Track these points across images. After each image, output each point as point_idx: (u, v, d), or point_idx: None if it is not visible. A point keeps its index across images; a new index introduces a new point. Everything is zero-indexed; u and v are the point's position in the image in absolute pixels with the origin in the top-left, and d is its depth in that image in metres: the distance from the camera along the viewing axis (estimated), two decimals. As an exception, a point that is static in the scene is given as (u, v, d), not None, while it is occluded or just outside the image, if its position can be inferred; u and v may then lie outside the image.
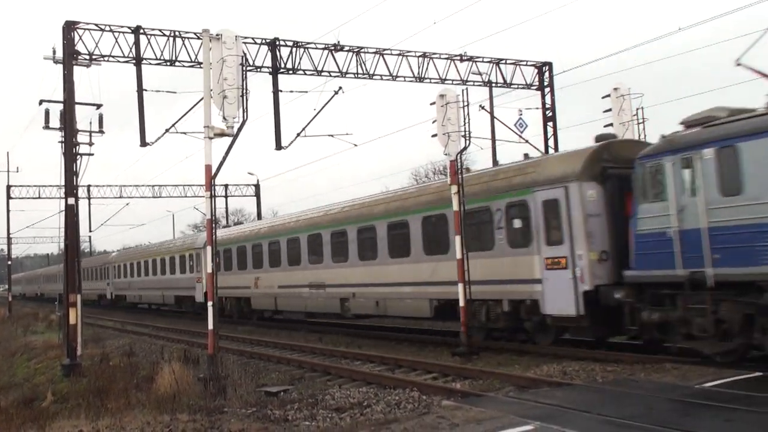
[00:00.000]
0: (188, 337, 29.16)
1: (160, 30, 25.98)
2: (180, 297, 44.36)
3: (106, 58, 24.70)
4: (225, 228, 42.75)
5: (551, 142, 31.79)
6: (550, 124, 32.16)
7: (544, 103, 32.35)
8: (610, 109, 23.33)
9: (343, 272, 26.42)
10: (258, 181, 62.97)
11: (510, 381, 14.80)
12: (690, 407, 10.73)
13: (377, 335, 25.84)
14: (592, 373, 14.44)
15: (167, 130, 22.48)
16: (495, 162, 30.36)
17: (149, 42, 25.78)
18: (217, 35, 16.54)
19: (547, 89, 32.45)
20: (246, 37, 26.20)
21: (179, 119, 22.48)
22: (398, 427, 10.73)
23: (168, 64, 26.22)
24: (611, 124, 23.06)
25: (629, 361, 15.59)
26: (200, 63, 19.61)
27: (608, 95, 23.85)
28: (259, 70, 27.45)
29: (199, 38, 24.16)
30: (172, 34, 26.30)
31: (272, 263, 32.29)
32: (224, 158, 16.64)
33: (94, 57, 24.23)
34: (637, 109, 23.18)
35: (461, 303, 18.79)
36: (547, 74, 32.54)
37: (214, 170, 16.57)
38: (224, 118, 16.41)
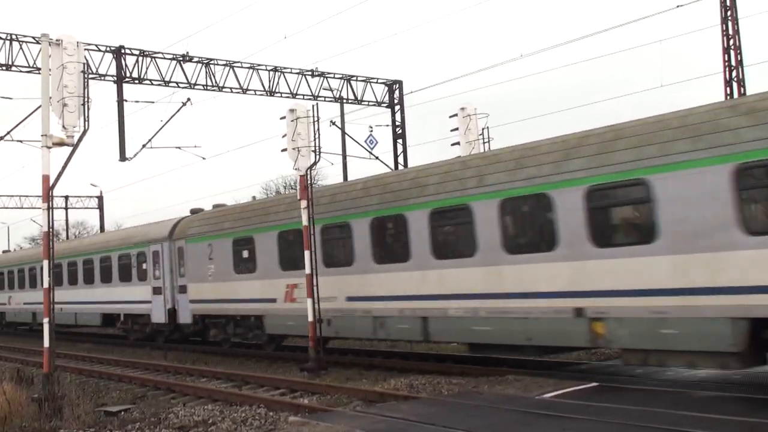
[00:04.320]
0: (22, 356, 27.67)
1: (-6, 33, 24.77)
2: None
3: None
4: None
5: (401, 159, 32.34)
6: (400, 141, 32.73)
7: (394, 121, 32.91)
8: (457, 128, 23.85)
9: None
10: (101, 192, 60.77)
11: (357, 395, 14.86)
12: (530, 417, 11.06)
13: (225, 351, 25.37)
14: (438, 386, 14.67)
15: (2, 138, 21.31)
16: (345, 177, 30.56)
17: (-19, 45, 24.55)
18: (57, 41, 15.82)
19: (397, 107, 33.02)
20: (89, 44, 25.36)
21: (15, 126, 21.37)
22: (244, 445, 10.53)
23: (3, 68, 25.00)
24: (458, 143, 23.60)
25: (474, 374, 15.97)
26: (39, 69, 18.73)
27: (455, 114, 24.39)
28: (103, 78, 26.61)
29: (38, 43, 23.12)
30: (9, 38, 25.10)
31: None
32: (63, 168, 15.91)
33: None
34: (483, 128, 23.82)
35: (309, 318, 18.71)
36: (397, 92, 33.13)
37: (52, 181, 15.82)
38: (64, 126, 15.70)
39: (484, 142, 23.32)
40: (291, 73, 30.64)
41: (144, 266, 27.74)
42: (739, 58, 28.18)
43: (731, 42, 28.25)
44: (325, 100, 31.38)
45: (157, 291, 26.81)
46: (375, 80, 32.86)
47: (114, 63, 27.00)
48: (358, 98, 32.30)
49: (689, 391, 12.71)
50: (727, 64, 28.31)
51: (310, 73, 31.03)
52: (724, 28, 28.34)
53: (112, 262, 30.14)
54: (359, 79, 32.42)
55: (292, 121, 19.61)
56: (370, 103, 32.66)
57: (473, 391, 13.88)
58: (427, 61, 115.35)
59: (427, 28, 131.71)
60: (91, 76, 24.83)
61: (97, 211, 60.86)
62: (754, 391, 12.10)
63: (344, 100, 31.97)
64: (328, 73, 31.47)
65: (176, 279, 25.81)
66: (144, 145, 27.18)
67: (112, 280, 30.10)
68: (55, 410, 14.56)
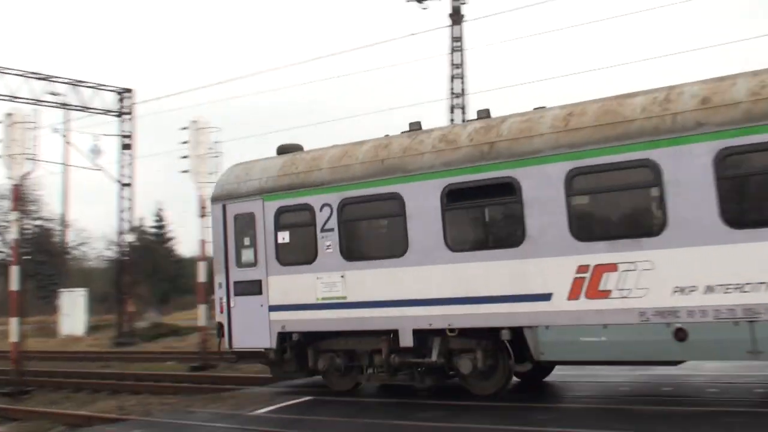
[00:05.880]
0: None
1: None
2: None
3: None
4: None
5: (127, 170, 31.44)
6: (129, 151, 31.78)
7: (122, 130, 31.89)
8: (187, 141, 23.46)
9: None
10: None
11: (62, 420, 14.18)
12: (242, 434, 11.02)
13: None
14: (150, 407, 14.34)
15: None
16: (65, 190, 29.11)
17: None
18: None
19: (127, 116, 32.02)
20: None
21: None
22: None
23: None
24: (188, 156, 23.22)
25: (188, 392, 15.69)
26: None
27: (187, 127, 23.99)
28: None
29: None
30: None
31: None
32: None
33: None
34: (214, 142, 23.64)
35: (11, 338, 17.48)
36: (127, 100, 32.15)
37: None
38: None
39: (213, 156, 23.20)
40: (10, 74, 28.68)
41: None
42: (462, 87, 30.12)
43: (458, 71, 30.20)
44: (49, 105, 29.73)
45: None
46: (104, 87, 31.60)
47: None
48: (86, 105, 30.89)
49: (405, 400, 13.11)
50: (452, 91, 30.19)
51: (33, 75, 29.20)
52: (452, 58, 30.21)
53: None
54: (87, 84, 31.02)
55: (8, 126, 18.62)
56: (98, 111, 31.36)
57: (186, 410, 13.63)
58: (161, 71, 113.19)
59: (163, 36, 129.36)
60: None
61: None
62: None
63: (70, 107, 30.46)
64: (53, 77, 29.78)
65: None
66: None
67: None
68: None
